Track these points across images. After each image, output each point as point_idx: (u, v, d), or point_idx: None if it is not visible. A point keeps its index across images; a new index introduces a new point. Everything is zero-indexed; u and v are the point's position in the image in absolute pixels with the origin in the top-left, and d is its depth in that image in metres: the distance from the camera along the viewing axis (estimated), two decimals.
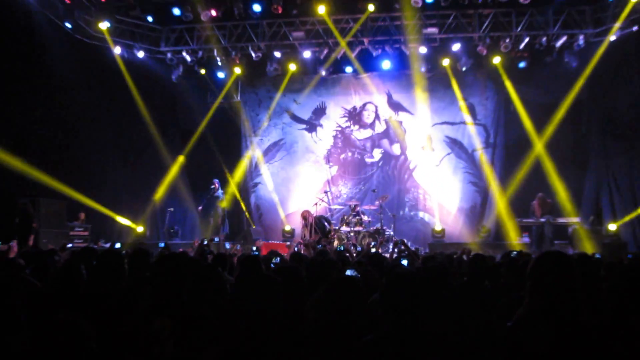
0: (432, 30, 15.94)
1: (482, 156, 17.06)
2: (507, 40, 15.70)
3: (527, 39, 15.71)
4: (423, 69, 17.18)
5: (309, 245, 13.11)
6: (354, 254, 10.62)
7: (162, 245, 11.48)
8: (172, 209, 16.88)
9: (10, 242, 10.10)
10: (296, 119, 18.82)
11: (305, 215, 14.22)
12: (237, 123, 18.70)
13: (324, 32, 16.36)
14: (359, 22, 15.99)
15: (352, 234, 14.59)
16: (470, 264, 5.73)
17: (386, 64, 17.09)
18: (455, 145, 17.75)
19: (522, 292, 3.88)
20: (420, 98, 17.37)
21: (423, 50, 16.34)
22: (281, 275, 4.29)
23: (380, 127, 18.44)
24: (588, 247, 13.17)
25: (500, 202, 16.07)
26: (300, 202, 17.15)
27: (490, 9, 14.99)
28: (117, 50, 16.16)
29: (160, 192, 17.08)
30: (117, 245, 12.65)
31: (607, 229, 14.19)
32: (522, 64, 16.62)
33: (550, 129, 15.71)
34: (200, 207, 16.77)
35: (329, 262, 5.63)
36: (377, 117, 18.49)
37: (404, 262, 6.99)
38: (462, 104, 17.34)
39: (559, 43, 15.66)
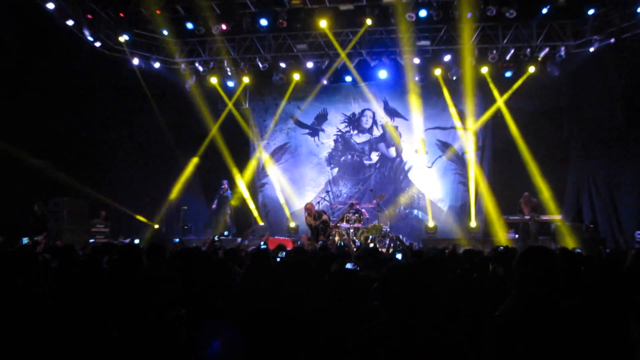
0: (425, 42, 15.98)
1: (471, 159, 17.03)
2: (494, 51, 15.72)
3: (512, 51, 15.74)
4: (417, 78, 17.19)
5: (312, 240, 13.16)
6: (354, 249, 10.64)
7: (176, 241, 11.47)
8: (186, 207, 16.87)
9: (36, 238, 10.08)
10: (300, 124, 18.84)
11: (309, 207, 14.25)
12: (246, 128, 18.68)
13: (325, 45, 16.37)
14: (357, 35, 15.99)
15: (351, 230, 14.57)
16: (464, 257, 5.74)
17: (383, 74, 17.07)
18: (447, 149, 17.74)
19: (508, 283, 3.89)
20: (414, 105, 17.37)
21: (416, 61, 16.34)
22: (287, 268, 4.29)
23: (377, 132, 18.43)
24: (569, 242, 13.16)
25: (488, 201, 16.05)
26: (304, 201, 17.14)
27: (478, 22, 14.98)
28: (135, 61, 16.20)
29: (175, 192, 17.11)
30: (136, 241, 12.65)
31: (587, 225, 14.19)
32: (508, 74, 16.61)
33: (534, 134, 15.72)
34: (214, 206, 16.79)
35: (330, 256, 5.63)
36: (374, 122, 18.49)
37: (399, 255, 6.98)
38: (452, 110, 17.33)
39: (542, 54, 15.71)
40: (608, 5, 13.65)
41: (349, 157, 18.54)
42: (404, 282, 2.78)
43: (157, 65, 16.79)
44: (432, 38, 15.95)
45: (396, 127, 18.27)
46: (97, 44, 15.18)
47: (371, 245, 12.05)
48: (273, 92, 18.57)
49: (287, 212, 18.02)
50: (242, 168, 18.24)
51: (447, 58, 16.17)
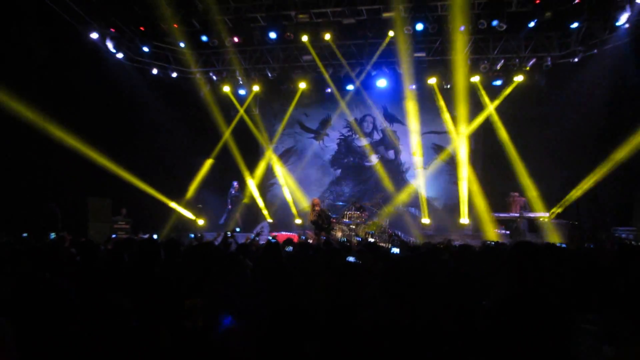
0: (421, 54, 15.99)
1: (464, 160, 16.98)
2: (485, 62, 15.71)
3: (502, 61, 15.71)
4: (413, 87, 17.17)
5: (317, 235, 13.14)
6: (355, 244, 10.63)
7: (191, 236, 11.45)
8: (200, 205, 16.92)
9: (62, 233, 10.04)
10: (306, 129, 18.88)
11: (315, 203, 14.20)
12: (256, 132, 18.70)
13: (329, 56, 16.39)
14: (359, 46, 16.07)
15: (353, 226, 14.56)
16: (459, 251, 5.72)
17: (382, 82, 17.05)
18: (441, 151, 17.75)
19: (498, 276, 3.88)
20: (411, 111, 17.37)
21: (413, 70, 16.34)
22: (294, 261, 4.29)
23: (377, 136, 18.47)
24: (555, 237, 13.10)
25: (479, 199, 16.01)
26: (310, 200, 17.18)
27: (470, 35, 14.95)
28: (154, 71, 16.26)
29: (191, 191, 17.18)
30: (155, 236, 12.65)
31: (570, 222, 14.12)
32: (498, 82, 16.57)
33: (522, 138, 15.70)
34: (229, 207, 16.83)
35: (333, 251, 5.63)
36: (374, 127, 18.51)
37: (396, 249, 6.97)
38: (446, 116, 17.31)
39: (529, 64, 15.68)
40: (590, 19, 13.61)
41: (351, 159, 18.58)
42: (401, 272, 2.79)
43: (174, 74, 16.86)
44: (428, 49, 15.96)
45: (395, 132, 18.32)
46: (120, 56, 15.28)
47: (371, 240, 12.04)
48: (281, 99, 18.58)
49: (294, 210, 18.04)
50: (252, 169, 18.29)
51: (442, 68, 16.17)
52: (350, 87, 17.69)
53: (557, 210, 14.68)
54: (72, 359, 3.26)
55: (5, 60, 11.00)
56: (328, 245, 7.32)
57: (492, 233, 14.44)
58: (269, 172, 18.85)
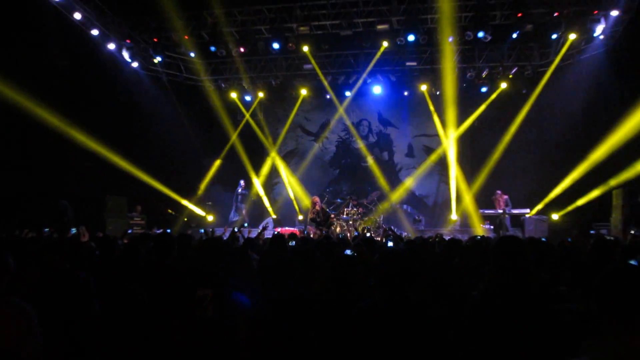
0: (412, 63, 16.00)
1: (452, 161, 16.98)
2: (472, 70, 15.72)
3: (487, 69, 15.71)
4: (406, 93, 17.23)
5: (318, 231, 13.14)
6: (351, 237, 10.63)
7: (202, 231, 11.43)
8: (210, 202, 16.91)
9: (79, 228, 9.96)
10: (307, 132, 18.90)
11: (315, 201, 14.21)
12: (261, 135, 18.69)
13: (328, 64, 16.40)
14: (356, 56, 16.07)
15: (350, 222, 14.57)
16: (448, 245, 5.72)
17: (377, 89, 17.07)
18: (431, 153, 17.75)
19: (484, 268, 3.88)
20: (404, 115, 17.41)
21: (406, 78, 16.34)
22: (297, 254, 4.29)
23: (372, 139, 18.48)
24: (535, 232, 13.10)
25: (466, 197, 16.02)
26: (311, 197, 17.19)
27: (458, 45, 14.96)
28: (167, 78, 16.26)
29: (201, 189, 17.20)
30: (168, 231, 12.63)
31: (550, 218, 14.13)
32: (483, 89, 16.59)
33: (506, 140, 15.70)
34: (240, 204, 16.83)
35: (332, 244, 5.63)
36: (370, 130, 18.53)
37: (390, 243, 6.98)
38: (436, 120, 17.30)
39: (512, 72, 15.68)
40: (569, 31, 13.61)
41: (349, 160, 18.60)
42: (395, 264, 2.80)
43: (185, 82, 16.86)
44: (419, 59, 15.96)
45: (388, 135, 18.32)
46: (135, 65, 15.29)
47: (367, 234, 12.05)
48: (284, 104, 18.61)
49: (296, 207, 18.04)
50: (257, 169, 18.25)
51: (432, 76, 16.19)
52: (347, 93, 17.70)
53: (538, 207, 14.68)
54: (92, 344, 3.27)
55: (34, 71, 11.00)
56: (328, 240, 7.32)
57: (479, 228, 14.45)
58: (273, 172, 18.85)
